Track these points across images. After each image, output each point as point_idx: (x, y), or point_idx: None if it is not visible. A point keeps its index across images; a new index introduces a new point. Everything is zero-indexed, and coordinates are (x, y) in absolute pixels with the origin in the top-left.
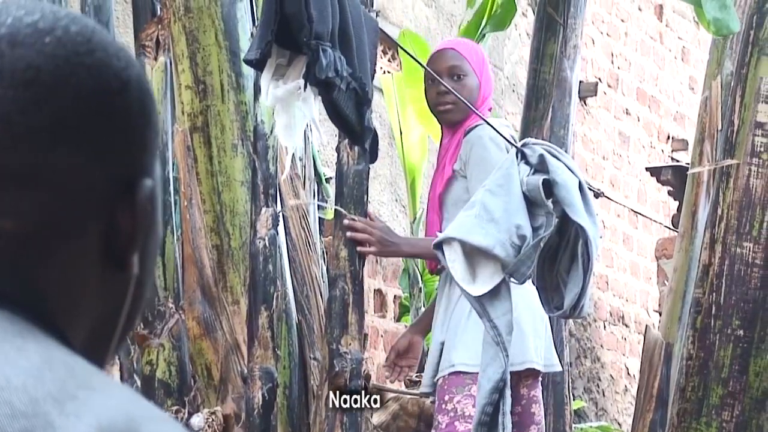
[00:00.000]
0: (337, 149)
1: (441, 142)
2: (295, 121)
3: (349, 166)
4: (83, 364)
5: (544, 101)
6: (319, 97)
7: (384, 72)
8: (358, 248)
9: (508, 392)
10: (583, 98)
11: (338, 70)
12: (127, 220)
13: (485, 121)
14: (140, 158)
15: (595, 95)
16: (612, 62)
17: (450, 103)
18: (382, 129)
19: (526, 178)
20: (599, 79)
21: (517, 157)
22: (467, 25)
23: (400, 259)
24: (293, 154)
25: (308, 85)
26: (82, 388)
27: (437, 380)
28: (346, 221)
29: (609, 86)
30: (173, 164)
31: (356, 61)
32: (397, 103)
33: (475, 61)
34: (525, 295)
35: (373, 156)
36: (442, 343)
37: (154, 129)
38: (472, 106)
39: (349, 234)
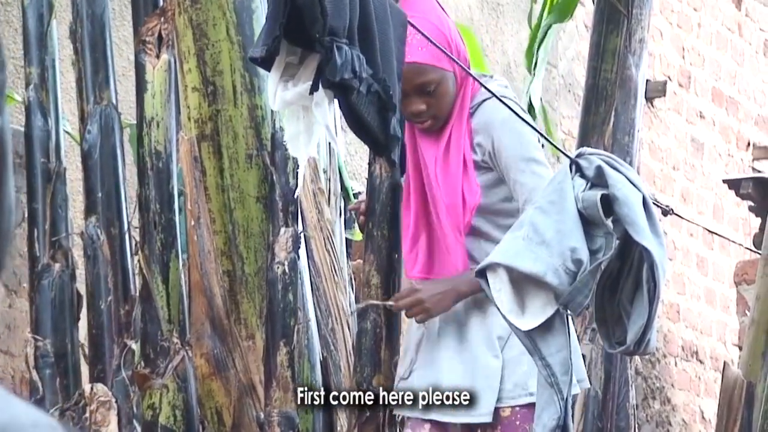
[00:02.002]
0: (370, 161)
1: (414, 146)
2: (307, 128)
3: (381, 179)
4: None
5: (606, 103)
6: (337, 102)
7: None
8: (417, 319)
9: None
10: (650, 100)
11: (356, 71)
12: None
13: (498, 98)
14: None
15: (664, 96)
16: (683, 58)
17: (429, 119)
18: None
19: (582, 193)
20: (669, 77)
21: (571, 170)
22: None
23: None
24: (316, 167)
25: (321, 87)
26: None
27: (501, 409)
28: (390, 305)
29: (680, 86)
30: (178, 177)
31: (379, 60)
32: None
33: (438, 57)
34: None
35: (402, 168)
36: (502, 362)
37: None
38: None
39: (405, 313)
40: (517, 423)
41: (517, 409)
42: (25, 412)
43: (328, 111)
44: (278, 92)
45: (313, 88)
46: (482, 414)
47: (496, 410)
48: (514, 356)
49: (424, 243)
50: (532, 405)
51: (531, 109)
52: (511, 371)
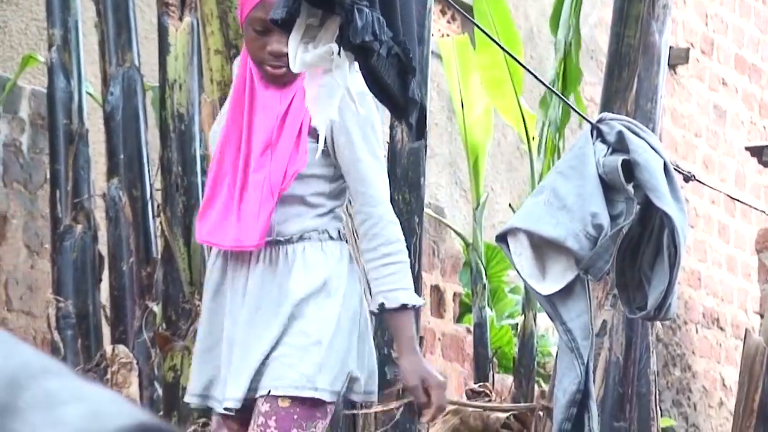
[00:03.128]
0: (391, 125)
1: (245, 94)
2: (328, 91)
3: (403, 144)
4: None
5: (629, 70)
6: (356, 65)
7: (443, 35)
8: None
9: (593, 404)
10: (672, 66)
11: (376, 33)
12: None
13: None
14: None
15: (687, 63)
16: (706, 25)
17: (285, 66)
18: (440, 101)
19: (603, 158)
20: (691, 44)
21: (592, 135)
22: None
23: (460, 251)
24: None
25: (342, 50)
26: None
27: (281, 398)
28: (424, 420)
29: (703, 52)
30: (200, 140)
31: (400, 23)
32: (459, 71)
33: None
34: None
35: (419, 132)
36: (273, 347)
37: None
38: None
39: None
40: (295, 417)
41: (298, 401)
42: (34, 358)
43: (348, 73)
44: (298, 54)
45: (333, 50)
46: (229, 399)
47: (275, 399)
48: (302, 345)
49: (225, 204)
50: (315, 402)
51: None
52: (298, 360)
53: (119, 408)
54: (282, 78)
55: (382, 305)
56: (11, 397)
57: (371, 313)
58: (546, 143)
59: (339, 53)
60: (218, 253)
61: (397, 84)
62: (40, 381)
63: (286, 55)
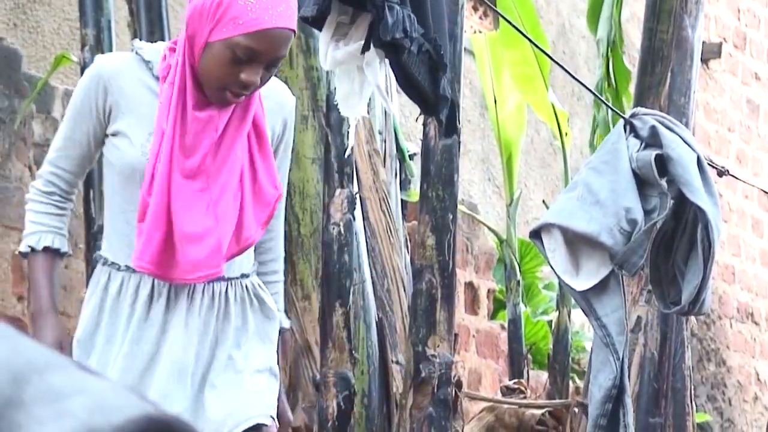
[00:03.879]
0: (424, 122)
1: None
2: (359, 88)
3: (436, 140)
4: None
5: (662, 65)
6: (387, 62)
7: (475, 32)
8: None
9: (628, 400)
10: (705, 61)
11: (407, 31)
12: None
13: None
14: None
15: (720, 57)
16: (739, 19)
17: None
18: (473, 98)
19: (636, 153)
20: (724, 38)
21: (625, 130)
22: None
23: (494, 247)
24: (372, 128)
25: (372, 47)
26: None
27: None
28: None
29: (735, 47)
30: None
31: (430, 20)
32: (491, 67)
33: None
34: None
35: (450, 129)
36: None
37: None
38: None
39: None
40: None
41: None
42: (38, 352)
43: (379, 70)
44: (329, 52)
45: (365, 48)
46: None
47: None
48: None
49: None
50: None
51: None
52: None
53: (125, 400)
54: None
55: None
56: (16, 392)
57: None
58: (597, 143)
59: (365, 50)
60: (162, 284)
61: (428, 81)
62: (44, 375)
63: (253, 85)
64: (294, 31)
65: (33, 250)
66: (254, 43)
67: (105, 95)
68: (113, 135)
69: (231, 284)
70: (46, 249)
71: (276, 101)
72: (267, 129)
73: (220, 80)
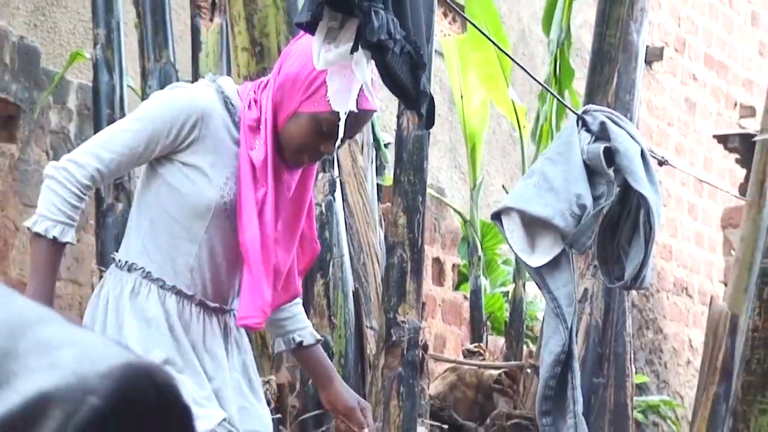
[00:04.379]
0: (398, 114)
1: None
2: (348, 85)
3: (409, 131)
4: None
5: (610, 66)
6: (373, 62)
7: (444, 35)
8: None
9: (575, 364)
10: (649, 63)
11: (391, 33)
12: None
13: None
14: None
15: (662, 60)
16: (679, 26)
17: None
18: (442, 94)
19: (587, 146)
20: (666, 43)
21: (577, 125)
22: None
23: (459, 227)
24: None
25: (360, 48)
26: None
27: None
28: None
29: (676, 51)
30: None
31: (410, 23)
32: (458, 67)
33: None
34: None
35: (429, 121)
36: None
37: None
38: None
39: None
40: None
41: None
42: (30, 307)
43: (366, 69)
44: (321, 53)
45: (353, 49)
46: None
47: None
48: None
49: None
50: None
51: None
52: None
53: (109, 350)
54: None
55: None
56: (11, 344)
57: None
58: (541, 133)
59: (353, 51)
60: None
61: (410, 78)
62: (36, 328)
63: (329, 155)
64: (375, 110)
65: (53, 239)
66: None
67: (194, 127)
68: (185, 164)
69: (230, 315)
70: (58, 240)
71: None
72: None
73: (301, 146)
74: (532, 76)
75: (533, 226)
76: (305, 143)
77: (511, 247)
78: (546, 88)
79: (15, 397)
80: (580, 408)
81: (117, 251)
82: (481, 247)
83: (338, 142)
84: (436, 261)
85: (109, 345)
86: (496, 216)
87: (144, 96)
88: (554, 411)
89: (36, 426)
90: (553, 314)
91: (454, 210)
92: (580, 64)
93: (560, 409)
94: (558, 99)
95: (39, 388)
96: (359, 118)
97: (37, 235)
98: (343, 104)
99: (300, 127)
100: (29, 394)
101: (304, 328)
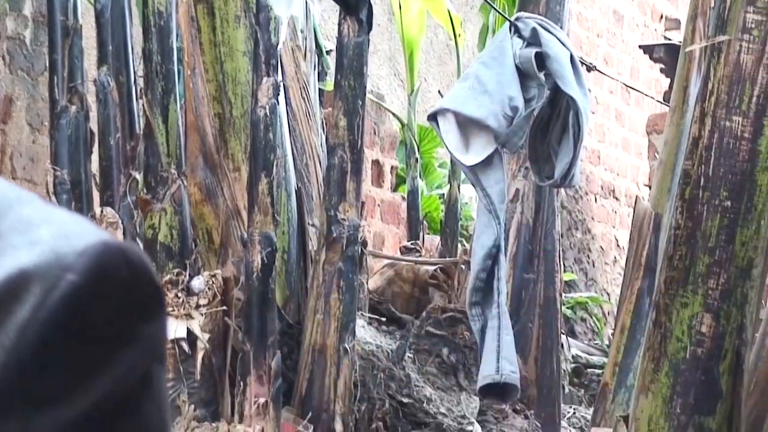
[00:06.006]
0: (339, 22)
1: None
2: None
3: (349, 38)
4: None
5: None
6: None
7: None
8: None
9: (502, 258)
10: None
11: None
12: None
13: None
14: None
15: None
16: None
17: None
18: (381, 4)
19: (519, 51)
20: None
21: (510, 31)
22: None
23: (397, 131)
24: (295, 27)
25: None
26: None
27: None
28: None
29: None
30: (177, 35)
31: None
32: None
33: None
34: None
35: (367, 27)
36: None
37: None
38: None
39: None
40: None
41: None
42: (9, 189)
43: None
44: None
45: None
46: None
47: None
48: None
49: None
50: None
51: None
52: None
53: (85, 229)
54: None
55: None
56: None
57: None
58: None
59: None
60: None
61: None
62: (15, 208)
63: None
64: None
65: None
66: None
67: None
68: None
69: None
70: None
71: None
72: None
73: None
74: None
75: (468, 126)
76: None
77: (446, 147)
78: None
79: None
80: (503, 299)
81: (69, 151)
82: (419, 150)
83: None
84: (376, 163)
85: (84, 224)
86: (433, 117)
87: (96, 3)
88: (483, 302)
89: (16, 301)
90: (486, 210)
91: (393, 114)
92: None
93: (489, 300)
94: (490, 5)
95: (19, 264)
96: None
97: None
98: (285, 9)
99: None
100: (12, 271)
101: None
